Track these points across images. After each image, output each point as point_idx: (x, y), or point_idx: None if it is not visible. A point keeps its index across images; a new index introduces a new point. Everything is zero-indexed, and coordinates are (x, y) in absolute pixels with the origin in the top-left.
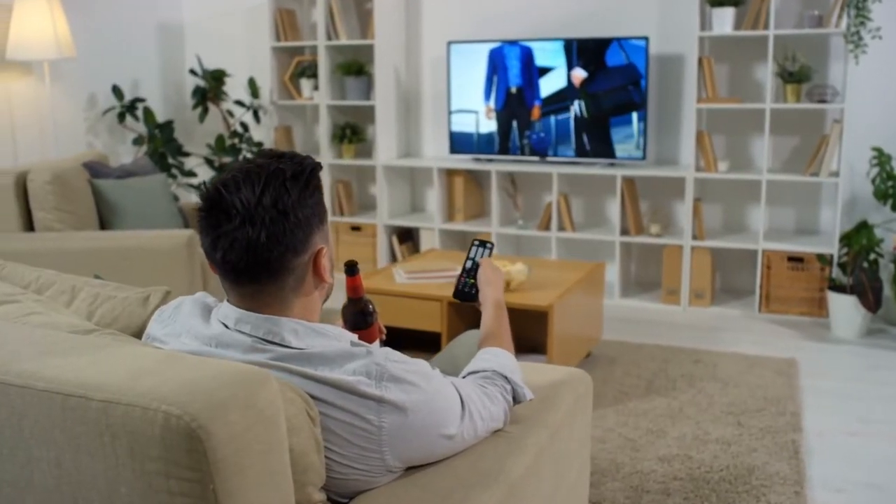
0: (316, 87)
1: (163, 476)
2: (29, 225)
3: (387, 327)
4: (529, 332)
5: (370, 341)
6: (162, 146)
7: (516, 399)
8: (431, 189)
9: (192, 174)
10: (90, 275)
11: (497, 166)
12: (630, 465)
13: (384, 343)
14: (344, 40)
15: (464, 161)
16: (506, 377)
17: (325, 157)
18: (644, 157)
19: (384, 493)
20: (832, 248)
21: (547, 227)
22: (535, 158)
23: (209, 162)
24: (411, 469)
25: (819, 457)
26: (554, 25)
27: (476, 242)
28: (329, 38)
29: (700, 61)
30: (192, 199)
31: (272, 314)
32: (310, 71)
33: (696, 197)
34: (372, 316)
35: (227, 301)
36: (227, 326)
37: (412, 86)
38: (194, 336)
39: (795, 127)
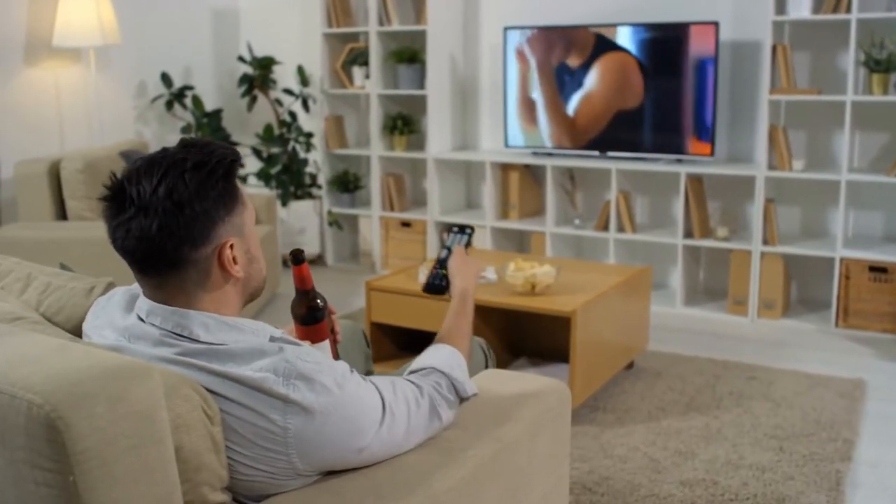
0: (367, 76)
1: (28, 465)
2: (62, 213)
3: (402, 329)
4: (555, 339)
5: (317, 340)
6: (209, 135)
7: (460, 396)
8: (486, 184)
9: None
10: (116, 267)
11: (554, 161)
12: (647, 488)
13: (336, 344)
14: (396, 26)
15: (520, 155)
16: (443, 373)
17: (376, 149)
18: (713, 154)
19: (293, 498)
20: None
21: (605, 228)
22: (595, 153)
23: (257, 152)
24: (329, 473)
25: (864, 490)
26: (617, 9)
27: (455, 229)
28: (381, 23)
29: (774, 48)
30: None
31: (180, 307)
32: (362, 58)
33: (769, 198)
34: (320, 312)
35: (142, 293)
36: (141, 319)
37: (469, 74)
38: (113, 328)
39: (882, 122)
